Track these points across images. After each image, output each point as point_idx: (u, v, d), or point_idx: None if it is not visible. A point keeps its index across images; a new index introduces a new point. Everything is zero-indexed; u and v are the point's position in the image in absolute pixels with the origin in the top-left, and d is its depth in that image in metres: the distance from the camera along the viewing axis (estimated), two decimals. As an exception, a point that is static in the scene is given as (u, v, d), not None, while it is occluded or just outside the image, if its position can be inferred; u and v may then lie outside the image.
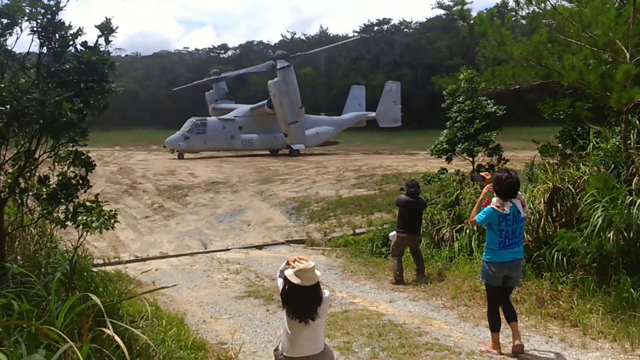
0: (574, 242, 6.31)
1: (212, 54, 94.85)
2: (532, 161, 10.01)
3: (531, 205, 7.34)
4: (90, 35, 4.58)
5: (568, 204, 7.04)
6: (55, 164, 4.84)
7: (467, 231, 8.49)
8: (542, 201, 7.24)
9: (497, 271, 5.15)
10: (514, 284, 5.42)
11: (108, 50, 4.60)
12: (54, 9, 4.34)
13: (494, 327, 5.26)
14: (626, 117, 7.05)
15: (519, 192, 5.17)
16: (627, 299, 5.74)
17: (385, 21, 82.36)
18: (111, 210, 4.76)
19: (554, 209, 7.17)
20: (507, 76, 9.14)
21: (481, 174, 6.22)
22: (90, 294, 3.47)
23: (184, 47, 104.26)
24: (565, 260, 6.50)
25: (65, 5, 4.39)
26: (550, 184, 7.22)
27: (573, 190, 7.10)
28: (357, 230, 12.34)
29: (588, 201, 6.48)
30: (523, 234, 5.31)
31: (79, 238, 4.97)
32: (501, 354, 5.15)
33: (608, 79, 6.92)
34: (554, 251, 6.61)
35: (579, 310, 5.95)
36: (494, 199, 5.15)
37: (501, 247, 5.10)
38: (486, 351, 5.21)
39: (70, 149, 4.79)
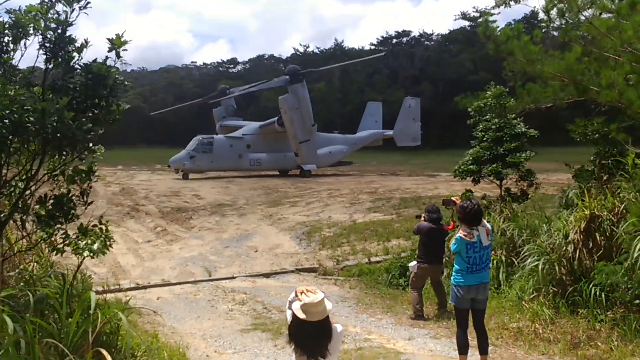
0: (614, 276, 6.17)
1: (220, 68, 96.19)
2: (569, 186, 9.87)
3: (564, 235, 7.21)
4: (101, 49, 4.66)
5: (607, 234, 6.89)
6: (56, 183, 4.88)
7: (495, 262, 8.35)
8: (578, 230, 7.09)
9: (465, 294, 5.78)
10: (482, 307, 5.95)
11: (117, 67, 4.67)
12: (63, 25, 4.42)
13: (461, 350, 5.84)
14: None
15: (484, 221, 5.86)
16: (673, 340, 5.57)
17: (405, 33, 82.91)
18: (108, 233, 4.79)
19: (590, 239, 7.02)
20: (544, 96, 9.08)
21: (452, 198, 6.84)
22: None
23: (192, 62, 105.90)
24: (603, 296, 6.35)
25: (75, 20, 4.47)
26: (587, 211, 7.08)
27: (612, 219, 6.96)
28: (373, 259, 12.20)
29: (628, 231, 6.35)
30: (489, 259, 5.99)
31: (79, 263, 4.98)
32: None
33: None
34: (591, 286, 6.47)
35: (619, 353, 5.78)
36: (462, 228, 5.81)
37: (469, 272, 5.75)
38: None
39: (80, 167, 4.83)
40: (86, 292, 5.54)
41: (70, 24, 4.45)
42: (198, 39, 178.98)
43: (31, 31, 4.32)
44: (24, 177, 4.67)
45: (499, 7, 9.79)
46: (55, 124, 4.05)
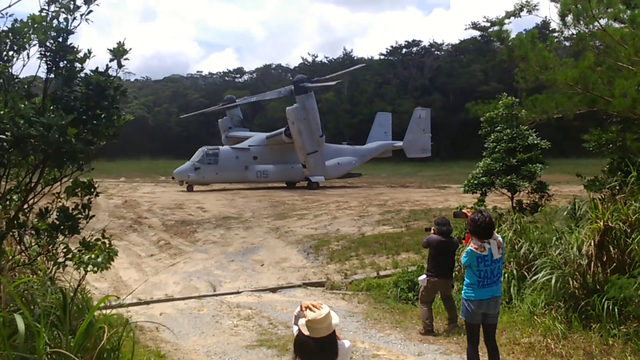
0: (627, 290, 6.17)
1: (227, 78, 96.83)
2: (575, 197, 9.87)
3: (577, 248, 7.22)
4: (103, 58, 4.73)
5: (620, 246, 6.90)
6: (55, 196, 4.93)
7: (506, 276, 8.35)
8: (592, 243, 7.10)
9: (476, 309, 5.82)
10: (493, 322, 5.98)
11: (119, 76, 4.73)
12: (64, 33, 4.49)
13: None
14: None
15: (495, 233, 5.84)
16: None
17: (415, 43, 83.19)
18: (111, 247, 4.84)
19: (604, 251, 7.02)
20: (550, 106, 9.13)
21: (463, 211, 6.83)
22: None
23: (197, 71, 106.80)
24: (617, 310, 6.33)
25: (76, 28, 4.55)
26: (601, 223, 7.08)
27: (626, 230, 6.96)
28: (382, 273, 12.23)
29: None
30: (501, 272, 6.00)
31: (81, 278, 5.03)
32: None
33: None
34: (604, 300, 6.46)
35: (633, 368, 5.77)
36: (472, 241, 5.82)
37: (480, 286, 5.79)
38: None
39: (80, 179, 4.88)
40: (87, 308, 5.62)
41: (71, 32, 4.51)
42: (204, 48, 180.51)
43: (33, 40, 4.36)
44: (19, 190, 4.72)
45: (509, 18, 9.89)
46: (58, 139, 4.11)
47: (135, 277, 12.63)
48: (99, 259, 4.73)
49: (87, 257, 4.75)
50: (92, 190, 4.96)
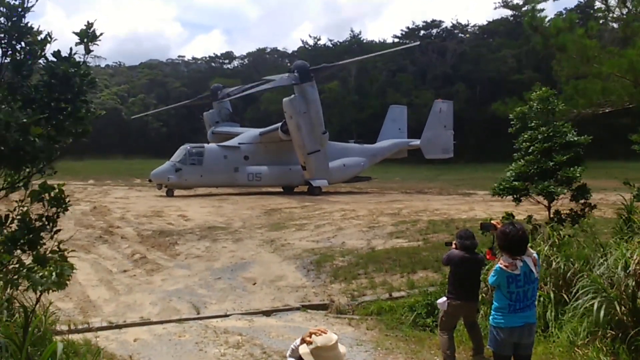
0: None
1: (213, 64, 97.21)
2: (631, 201, 9.78)
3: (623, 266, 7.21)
4: (69, 42, 4.71)
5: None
6: (17, 202, 4.92)
7: (542, 298, 8.35)
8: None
9: (507, 337, 5.77)
10: (526, 353, 5.94)
11: (86, 62, 4.71)
12: (19, 10, 4.49)
13: None
14: None
15: (529, 249, 5.82)
16: None
17: (435, 24, 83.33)
18: (66, 263, 4.80)
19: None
20: (595, 92, 9.07)
21: (492, 222, 6.87)
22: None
23: (179, 56, 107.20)
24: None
25: (34, 6, 4.54)
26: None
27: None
28: (395, 294, 12.25)
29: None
30: (536, 295, 5.97)
31: (37, 299, 5.02)
32: None
33: None
34: (657, 328, 6.45)
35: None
36: (503, 258, 5.80)
37: (511, 310, 5.75)
38: None
39: (45, 181, 4.85)
40: (48, 334, 5.60)
41: (27, 10, 4.51)
42: (187, 29, 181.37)
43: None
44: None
45: None
46: (17, 138, 4.08)
47: (106, 297, 12.64)
48: (53, 277, 4.65)
49: (40, 274, 4.65)
50: (62, 203, 4.91)
